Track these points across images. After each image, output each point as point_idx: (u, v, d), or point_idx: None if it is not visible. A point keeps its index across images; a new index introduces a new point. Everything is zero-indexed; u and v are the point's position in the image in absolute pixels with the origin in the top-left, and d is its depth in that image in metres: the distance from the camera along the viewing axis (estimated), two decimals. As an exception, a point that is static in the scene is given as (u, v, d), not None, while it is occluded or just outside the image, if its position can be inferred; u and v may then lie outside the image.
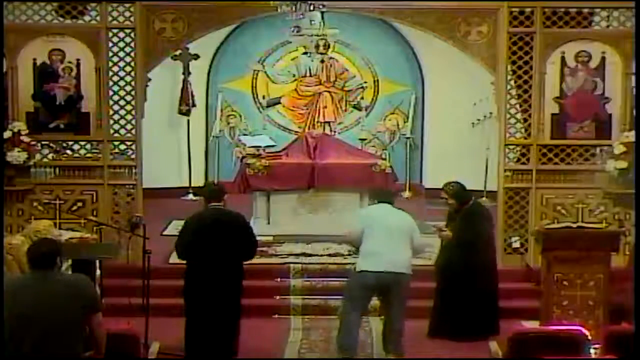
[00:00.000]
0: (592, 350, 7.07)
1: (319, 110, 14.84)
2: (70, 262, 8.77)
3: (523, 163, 10.95)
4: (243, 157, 12.91)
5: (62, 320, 5.82)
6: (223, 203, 8.48)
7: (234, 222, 8.42)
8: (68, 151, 10.95)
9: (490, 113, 12.85)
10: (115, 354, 6.37)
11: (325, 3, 10.62)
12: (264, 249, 11.53)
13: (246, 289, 10.31)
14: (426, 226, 13.03)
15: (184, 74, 15.02)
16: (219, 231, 8.28)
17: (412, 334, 9.51)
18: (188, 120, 15.16)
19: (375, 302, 10.20)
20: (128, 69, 10.78)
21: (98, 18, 10.75)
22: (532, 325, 8.95)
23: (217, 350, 8.26)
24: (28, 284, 5.96)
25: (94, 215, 10.76)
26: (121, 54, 10.77)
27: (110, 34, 10.75)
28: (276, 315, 10.08)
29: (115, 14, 10.73)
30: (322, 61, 14.76)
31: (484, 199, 14.32)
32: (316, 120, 14.83)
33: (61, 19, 10.81)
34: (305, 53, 14.91)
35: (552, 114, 10.89)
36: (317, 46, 14.65)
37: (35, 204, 10.79)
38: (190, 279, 8.38)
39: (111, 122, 10.83)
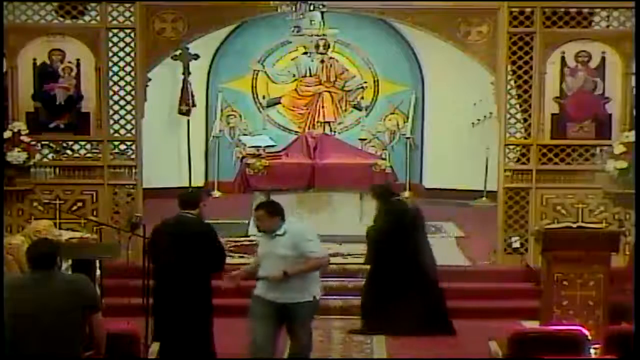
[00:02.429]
0: (592, 350, 7.06)
1: (319, 110, 14.86)
2: (70, 262, 8.77)
3: (523, 163, 10.95)
4: (243, 157, 12.92)
5: (62, 320, 5.82)
6: (198, 210, 8.23)
7: (196, 230, 8.15)
8: (68, 151, 10.96)
9: (490, 113, 12.85)
10: (115, 354, 6.37)
11: (325, 3, 10.63)
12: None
13: (246, 289, 10.36)
14: (426, 226, 13.07)
15: (184, 74, 15.03)
16: (179, 239, 8.04)
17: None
18: (188, 120, 15.17)
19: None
20: (128, 69, 10.78)
21: (98, 18, 10.75)
22: (532, 325, 8.94)
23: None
24: (28, 283, 5.96)
25: (94, 215, 10.76)
26: (121, 54, 10.77)
27: (110, 34, 10.76)
28: (276, 315, 10.06)
29: (115, 14, 10.73)
30: (322, 61, 14.78)
31: (484, 199, 14.37)
32: (316, 120, 14.85)
33: (61, 19, 10.81)
34: (305, 53, 14.93)
35: (552, 114, 10.89)
36: (317, 46, 14.66)
37: (35, 204, 10.78)
38: (155, 290, 8.22)
39: (111, 122, 10.84)
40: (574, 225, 9.49)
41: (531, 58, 10.76)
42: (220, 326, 9.34)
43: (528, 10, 10.74)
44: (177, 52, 13.95)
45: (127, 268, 10.00)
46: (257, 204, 7.99)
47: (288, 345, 9.16)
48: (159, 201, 12.99)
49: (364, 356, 9.04)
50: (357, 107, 15.29)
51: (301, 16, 10.97)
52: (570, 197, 10.89)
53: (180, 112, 15.11)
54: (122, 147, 10.96)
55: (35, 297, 5.82)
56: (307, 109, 15.00)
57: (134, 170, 10.88)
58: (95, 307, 6.02)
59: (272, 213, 7.67)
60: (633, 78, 10.67)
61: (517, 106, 10.93)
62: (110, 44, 10.76)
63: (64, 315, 5.82)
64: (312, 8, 10.54)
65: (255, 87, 15.57)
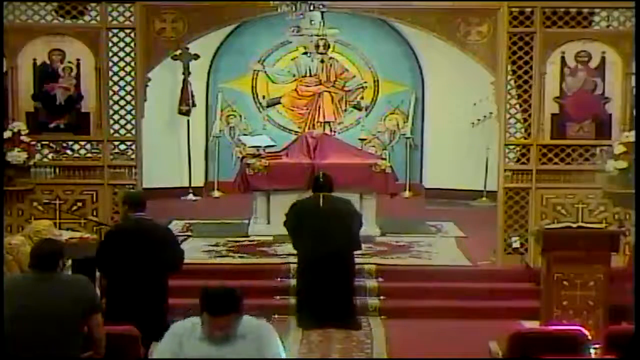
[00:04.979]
0: (592, 350, 7.06)
1: (319, 110, 14.86)
2: (70, 262, 8.76)
3: (523, 163, 10.94)
4: (243, 157, 12.92)
5: (62, 321, 5.83)
6: (146, 212, 8.18)
7: (157, 233, 8.12)
8: (68, 151, 10.95)
9: (490, 113, 12.85)
10: (115, 354, 6.37)
11: (325, 3, 10.61)
12: (264, 249, 11.57)
13: (246, 289, 10.34)
14: (426, 226, 13.11)
15: (184, 74, 15.03)
16: (141, 244, 7.93)
17: (415, 334, 9.55)
18: (188, 120, 15.17)
19: (375, 301, 10.24)
20: (128, 69, 10.78)
21: (98, 18, 10.75)
22: (532, 325, 8.94)
23: None
24: (28, 284, 5.96)
25: (94, 215, 10.75)
26: (121, 54, 10.77)
27: (110, 34, 10.75)
28: (276, 315, 10.06)
29: (115, 14, 10.73)
30: (322, 61, 14.78)
31: (484, 199, 14.37)
32: (316, 120, 14.85)
33: (61, 19, 10.80)
34: (305, 53, 14.93)
35: (552, 114, 10.89)
36: (317, 46, 14.66)
37: (35, 204, 10.78)
38: (111, 296, 8.02)
39: (111, 122, 10.83)
40: (574, 225, 9.48)
41: (531, 58, 10.75)
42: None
43: (528, 10, 10.73)
44: (177, 52, 13.94)
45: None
46: (211, 302, 5.19)
47: (287, 345, 9.19)
48: (159, 201, 13.04)
49: (364, 356, 9.04)
50: (357, 107, 15.29)
51: (301, 16, 10.96)
52: (570, 197, 10.89)
53: (180, 112, 15.11)
54: (122, 147, 10.95)
55: (36, 298, 5.82)
56: (307, 109, 15.00)
57: (134, 170, 10.87)
58: (95, 308, 6.03)
59: (241, 310, 5.27)
60: (633, 78, 10.67)
61: (517, 106, 10.92)
62: (110, 44, 10.75)
63: (63, 317, 5.83)
64: (312, 8, 10.53)
65: (255, 87, 15.57)
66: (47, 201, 10.78)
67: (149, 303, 7.94)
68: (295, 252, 10.61)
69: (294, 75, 14.94)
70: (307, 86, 14.94)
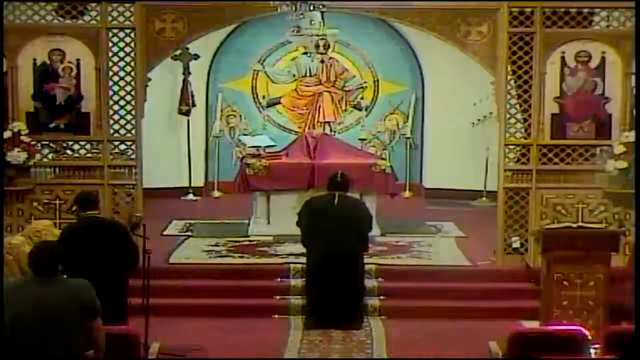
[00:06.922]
0: (592, 350, 7.07)
1: (319, 110, 14.85)
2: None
3: (523, 163, 10.94)
4: (243, 157, 12.92)
5: (63, 325, 5.82)
6: (98, 211, 8.29)
7: (111, 230, 8.18)
8: (68, 151, 10.95)
9: (490, 113, 12.85)
10: (115, 354, 6.36)
11: (325, 3, 10.62)
12: (264, 249, 11.57)
13: (246, 289, 10.38)
14: (426, 226, 13.11)
15: (184, 74, 15.03)
16: (95, 241, 7.99)
17: (415, 334, 9.55)
18: (188, 120, 15.17)
19: (375, 301, 10.24)
20: (128, 69, 10.77)
21: (98, 18, 10.74)
22: (532, 325, 8.95)
23: None
24: (30, 288, 5.95)
25: (94, 216, 10.73)
26: (121, 54, 10.77)
27: (110, 34, 10.74)
28: (276, 315, 10.08)
29: (115, 14, 10.72)
30: (322, 61, 14.77)
31: (484, 199, 14.37)
32: (316, 120, 14.84)
33: (61, 19, 10.80)
34: (305, 53, 14.92)
35: (552, 114, 10.89)
36: (317, 46, 14.65)
37: (35, 204, 10.78)
38: None
39: (111, 122, 10.83)
40: (574, 225, 9.48)
41: (531, 58, 10.75)
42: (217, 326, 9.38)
43: (528, 10, 10.73)
44: (177, 52, 13.95)
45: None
46: None
47: (287, 345, 9.22)
48: (159, 201, 13.05)
49: (364, 356, 9.04)
50: (357, 107, 15.28)
51: (301, 16, 10.96)
52: (570, 197, 10.89)
53: (180, 112, 15.11)
54: (122, 147, 10.95)
55: (37, 303, 5.82)
56: (307, 109, 14.99)
57: (134, 170, 10.87)
58: (95, 313, 6.02)
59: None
60: (633, 78, 10.67)
61: (517, 106, 10.92)
62: (110, 44, 10.74)
63: (65, 321, 5.82)
64: (312, 8, 10.53)
65: (255, 87, 15.57)
66: (47, 201, 10.78)
67: (106, 301, 7.85)
68: (296, 251, 10.63)
69: (294, 75, 14.94)
70: (307, 86, 14.94)
